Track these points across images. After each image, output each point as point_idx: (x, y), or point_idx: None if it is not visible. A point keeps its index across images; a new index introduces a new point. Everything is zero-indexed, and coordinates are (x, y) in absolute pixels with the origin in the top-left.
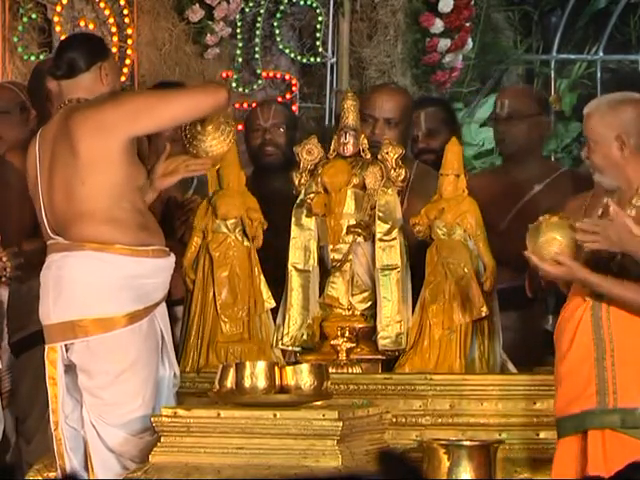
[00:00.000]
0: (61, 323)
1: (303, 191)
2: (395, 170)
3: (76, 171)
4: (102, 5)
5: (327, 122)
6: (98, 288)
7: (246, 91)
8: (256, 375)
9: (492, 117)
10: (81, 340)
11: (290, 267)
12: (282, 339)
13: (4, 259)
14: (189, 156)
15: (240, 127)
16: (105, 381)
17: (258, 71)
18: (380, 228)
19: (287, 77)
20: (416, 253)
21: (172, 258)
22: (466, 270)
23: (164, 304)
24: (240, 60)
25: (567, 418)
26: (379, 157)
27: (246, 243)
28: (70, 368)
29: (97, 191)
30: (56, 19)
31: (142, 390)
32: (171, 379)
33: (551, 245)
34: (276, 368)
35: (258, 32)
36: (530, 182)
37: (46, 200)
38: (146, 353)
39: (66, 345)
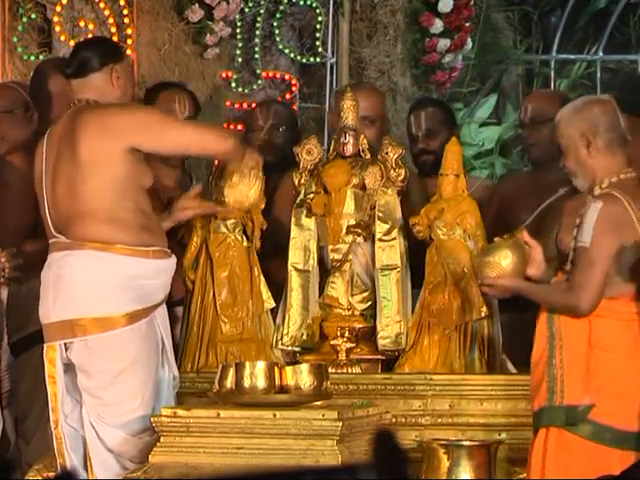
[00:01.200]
0: (60, 322)
1: (303, 191)
2: (395, 170)
3: (78, 170)
4: (102, 5)
5: (327, 122)
6: (98, 287)
7: (246, 91)
8: (256, 375)
9: (518, 124)
10: (80, 339)
11: (290, 267)
12: (282, 339)
13: (2, 260)
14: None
15: (240, 127)
16: (104, 381)
17: (258, 71)
18: (380, 228)
19: (287, 77)
20: (416, 253)
21: (173, 259)
22: (466, 270)
23: (164, 306)
24: (240, 60)
25: (533, 415)
26: (379, 157)
27: (246, 243)
28: (69, 367)
29: (99, 190)
30: (56, 19)
31: (141, 390)
32: (170, 381)
33: (492, 269)
34: (276, 368)
35: (258, 32)
36: (554, 187)
37: (50, 198)
38: (145, 353)
39: (65, 344)
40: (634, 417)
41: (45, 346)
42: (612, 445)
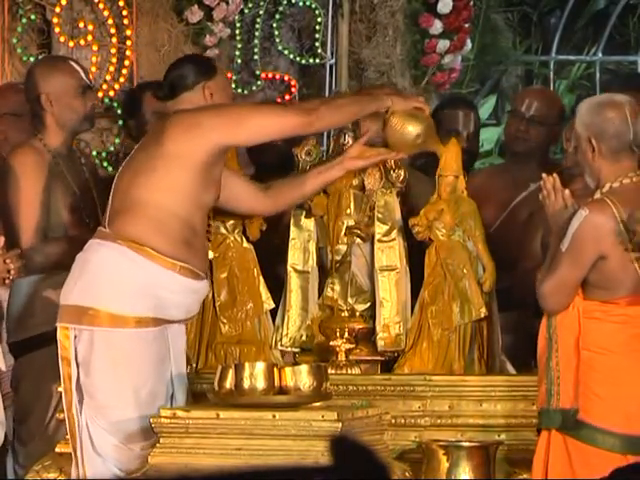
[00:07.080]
0: (75, 306)
1: None
2: (394, 171)
3: (154, 158)
4: (101, 6)
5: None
6: (118, 284)
7: (245, 92)
8: (255, 376)
9: (511, 112)
10: (86, 328)
11: (289, 268)
12: (281, 340)
13: (8, 261)
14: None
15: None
16: (99, 379)
17: (257, 72)
18: (379, 229)
19: (286, 78)
20: (415, 254)
21: (203, 282)
22: (465, 271)
23: (183, 334)
24: (239, 61)
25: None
26: None
27: (245, 244)
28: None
29: (162, 182)
30: (55, 20)
31: (133, 397)
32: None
33: None
34: (275, 369)
35: (257, 33)
36: (526, 182)
37: (114, 189)
38: (147, 362)
39: (75, 336)
40: (630, 420)
41: (58, 326)
42: (612, 450)
